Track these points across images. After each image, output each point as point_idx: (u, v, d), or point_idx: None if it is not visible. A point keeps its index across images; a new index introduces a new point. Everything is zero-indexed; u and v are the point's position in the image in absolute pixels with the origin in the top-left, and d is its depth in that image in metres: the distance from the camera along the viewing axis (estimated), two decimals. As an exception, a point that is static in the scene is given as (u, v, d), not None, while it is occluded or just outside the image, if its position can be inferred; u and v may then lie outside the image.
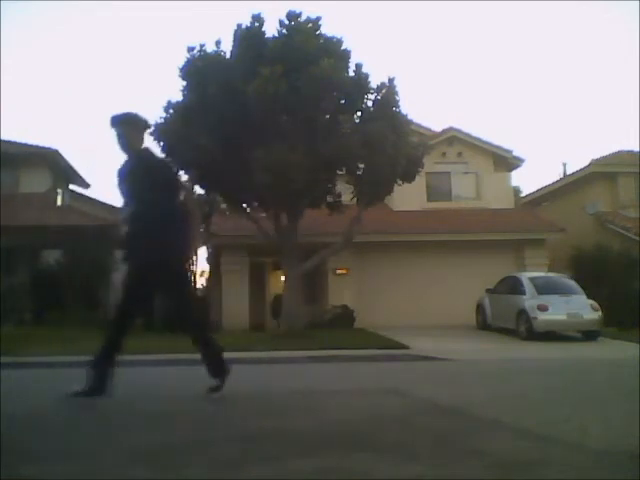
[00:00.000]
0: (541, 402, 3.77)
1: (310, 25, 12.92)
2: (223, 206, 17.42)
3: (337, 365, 8.02)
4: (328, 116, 12.77)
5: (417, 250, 17.31)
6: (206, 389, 3.96)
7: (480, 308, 15.80)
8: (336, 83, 12.40)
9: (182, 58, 13.20)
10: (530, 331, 13.02)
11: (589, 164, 21.59)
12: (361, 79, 13.09)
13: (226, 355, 8.89)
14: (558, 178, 23.90)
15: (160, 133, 13.09)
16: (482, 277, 15.92)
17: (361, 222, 13.93)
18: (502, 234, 17.84)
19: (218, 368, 4.02)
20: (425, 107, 68.53)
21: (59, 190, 20.24)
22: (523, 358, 8.96)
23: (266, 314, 17.72)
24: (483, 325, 15.46)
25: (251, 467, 2.11)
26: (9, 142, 19.48)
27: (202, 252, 29.15)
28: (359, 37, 73.75)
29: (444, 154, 19.59)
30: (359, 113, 13.28)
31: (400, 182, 13.86)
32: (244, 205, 14.56)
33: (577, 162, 46.91)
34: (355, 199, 13.78)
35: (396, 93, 13.27)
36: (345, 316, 16.00)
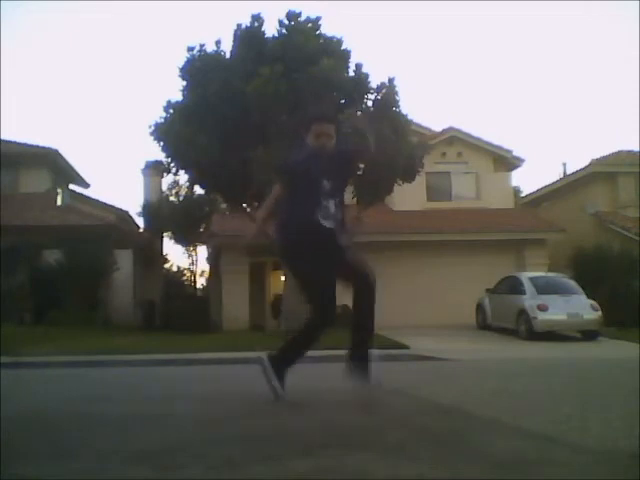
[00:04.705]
0: (541, 402, 3.77)
1: (310, 25, 12.94)
2: (223, 206, 17.43)
3: (337, 365, 8.01)
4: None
5: (417, 250, 17.31)
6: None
7: (480, 308, 15.80)
8: (336, 83, 12.41)
9: (182, 58, 13.24)
10: (530, 331, 13.02)
11: (589, 164, 21.61)
12: (361, 79, 13.10)
13: (226, 355, 8.85)
14: (558, 178, 23.92)
15: (160, 133, 13.10)
16: (482, 277, 15.92)
17: (361, 222, 13.93)
18: (502, 234, 17.85)
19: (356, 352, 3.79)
20: (425, 107, 68.56)
21: (59, 190, 20.27)
22: (523, 358, 8.95)
23: (266, 314, 17.72)
24: (483, 325, 15.46)
25: (251, 467, 2.10)
26: (9, 142, 19.51)
27: (203, 250, 29.05)
28: (359, 37, 73.77)
29: (444, 154, 19.60)
30: (359, 113, 13.28)
31: (400, 182, 13.87)
32: (244, 205, 14.55)
33: (577, 162, 46.99)
34: (355, 199, 13.78)
35: (396, 93, 13.30)
36: (345, 316, 15.99)
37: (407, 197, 17.84)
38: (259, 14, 13.15)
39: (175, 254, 68.46)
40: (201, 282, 35.20)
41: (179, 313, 15.86)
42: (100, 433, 2.88)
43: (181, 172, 14.64)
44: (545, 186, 23.99)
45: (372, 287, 3.86)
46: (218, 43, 13.33)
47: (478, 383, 5.08)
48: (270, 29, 13.17)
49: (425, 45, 73.51)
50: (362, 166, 13.35)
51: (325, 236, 3.75)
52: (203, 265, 34.12)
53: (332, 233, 3.80)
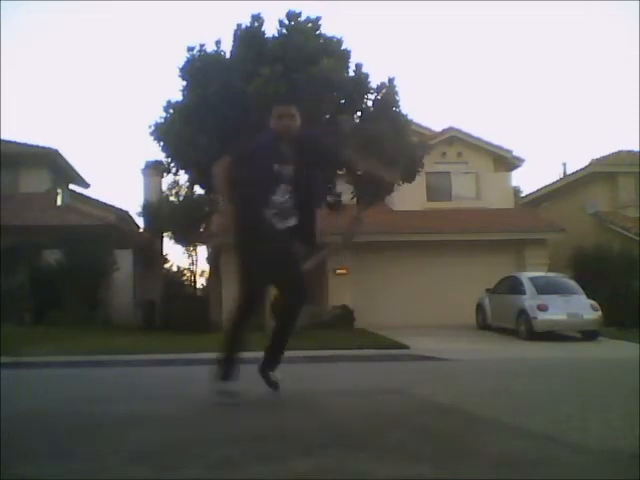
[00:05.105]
0: (541, 402, 3.77)
1: (310, 25, 12.94)
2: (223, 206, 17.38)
3: (337, 365, 8.01)
4: (328, 116, 12.77)
5: (417, 250, 17.31)
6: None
7: (480, 308, 15.80)
8: (336, 83, 12.41)
9: (182, 58, 13.24)
10: (530, 331, 13.02)
11: (589, 164, 21.62)
12: (361, 79, 13.10)
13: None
14: (558, 178, 23.92)
15: (160, 133, 13.10)
16: (482, 277, 15.92)
17: (362, 222, 13.93)
18: (502, 234, 17.86)
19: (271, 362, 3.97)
20: (425, 107, 68.54)
21: (59, 190, 20.27)
22: (523, 358, 8.95)
23: (266, 314, 17.68)
24: (483, 325, 15.47)
25: (251, 467, 2.11)
26: (9, 142, 19.51)
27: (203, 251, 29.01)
28: (359, 37, 73.72)
29: (444, 154, 19.59)
30: (359, 113, 13.28)
31: (400, 182, 13.86)
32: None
33: (577, 162, 46.98)
34: (355, 199, 13.78)
35: (396, 93, 13.30)
36: (345, 316, 16.00)
37: (407, 197, 17.84)
38: (259, 14, 13.15)
39: (175, 254, 68.47)
40: (201, 282, 35.21)
41: (179, 313, 15.85)
42: (100, 433, 2.88)
43: (181, 172, 14.65)
44: (545, 186, 23.99)
45: (297, 310, 3.81)
46: (218, 43, 13.34)
47: (478, 383, 5.08)
48: (270, 29, 13.19)
49: (425, 45, 73.56)
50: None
51: (272, 239, 3.64)
52: (203, 265, 34.15)
53: (282, 237, 3.68)
